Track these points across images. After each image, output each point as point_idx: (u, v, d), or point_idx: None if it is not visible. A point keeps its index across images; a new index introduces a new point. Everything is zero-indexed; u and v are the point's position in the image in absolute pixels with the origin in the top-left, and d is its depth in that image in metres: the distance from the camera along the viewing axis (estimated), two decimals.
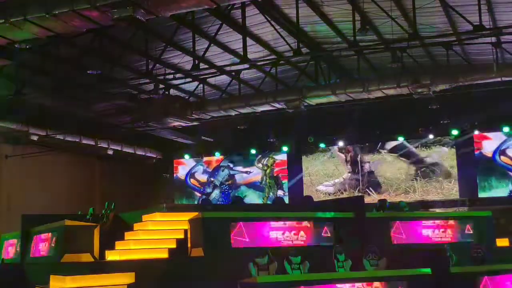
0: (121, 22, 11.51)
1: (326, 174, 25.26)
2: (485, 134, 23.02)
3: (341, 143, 25.06)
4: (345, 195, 24.35)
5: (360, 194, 23.53)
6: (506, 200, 22.30)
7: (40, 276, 11.70)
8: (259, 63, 19.06)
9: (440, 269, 10.81)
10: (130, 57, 18.34)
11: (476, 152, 23.16)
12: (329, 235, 12.50)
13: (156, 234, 12.66)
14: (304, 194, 24.23)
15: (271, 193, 21.56)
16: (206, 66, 18.81)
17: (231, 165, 26.84)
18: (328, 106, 20.29)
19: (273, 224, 12.21)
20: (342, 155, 25.18)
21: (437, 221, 13.89)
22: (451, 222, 13.99)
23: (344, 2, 15.53)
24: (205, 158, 27.31)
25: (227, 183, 27.03)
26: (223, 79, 20.57)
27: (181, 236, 12.44)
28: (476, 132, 22.98)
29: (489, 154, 23.02)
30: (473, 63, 18.73)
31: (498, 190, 22.81)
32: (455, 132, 23.21)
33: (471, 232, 13.92)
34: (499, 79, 17.01)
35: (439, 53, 18.56)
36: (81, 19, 11.70)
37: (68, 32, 13.36)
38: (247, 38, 16.85)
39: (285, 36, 17.28)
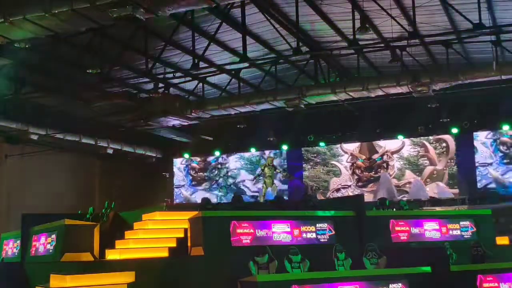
0: (121, 21, 11.51)
1: None
2: None
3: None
4: None
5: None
6: (506, 198, 22.29)
7: (40, 275, 11.69)
8: (258, 62, 19.05)
9: (440, 268, 10.80)
10: (130, 56, 18.33)
11: None
12: (329, 233, 12.50)
13: (156, 233, 12.63)
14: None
15: (270, 191, 21.49)
16: (206, 65, 18.80)
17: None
18: (328, 104, 20.27)
19: (273, 222, 12.20)
20: None
21: (437, 220, 13.88)
22: (451, 220, 13.98)
23: (343, 1, 15.52)
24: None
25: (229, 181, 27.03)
26: (223, 78, 20.56)
27: (181, 235, 12.41)
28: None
29: None
30: (473, 61, 18.72)
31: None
32: (454, 130, 23.21)
33: (471, 230, 13.92)
34: (498, 78, 17.03)
35: (439, 51, 18.55)
36: (81, 18, 11.70)
37: (67, 31, 13.35)
38: (247, 37, 16.85)
39: (285, 35, 17.26)
